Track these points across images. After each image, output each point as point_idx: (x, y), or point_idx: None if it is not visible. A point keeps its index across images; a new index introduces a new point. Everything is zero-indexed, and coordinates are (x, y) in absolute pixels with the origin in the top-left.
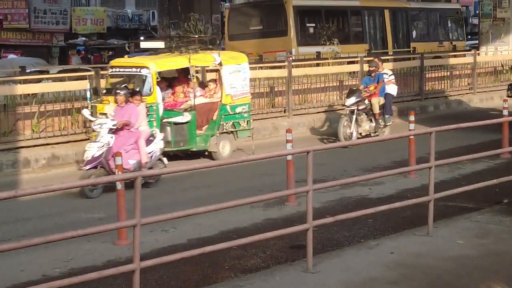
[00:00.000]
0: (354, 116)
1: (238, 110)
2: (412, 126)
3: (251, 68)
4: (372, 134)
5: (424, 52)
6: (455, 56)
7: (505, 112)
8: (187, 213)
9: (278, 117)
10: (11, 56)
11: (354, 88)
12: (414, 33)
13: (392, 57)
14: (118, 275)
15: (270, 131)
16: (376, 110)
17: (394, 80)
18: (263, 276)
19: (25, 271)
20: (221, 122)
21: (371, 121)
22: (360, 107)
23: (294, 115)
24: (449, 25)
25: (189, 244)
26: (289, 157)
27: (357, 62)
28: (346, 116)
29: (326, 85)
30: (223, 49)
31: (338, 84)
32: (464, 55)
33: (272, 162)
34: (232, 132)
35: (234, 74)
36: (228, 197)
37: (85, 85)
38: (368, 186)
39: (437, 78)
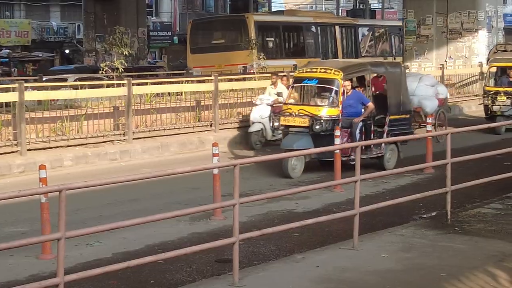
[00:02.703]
0: None
1: None
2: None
3: (176, 82)
4: None
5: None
6: None
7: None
8: (112, 227)
9: (204, 131)
10: None
11: None
12: (361, 48)
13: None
14: None
15: (196, 145)
16: None
17: None
18: None
19: None
20: None
21: None
22: None
23: (220, 129)
24: (392, 41)
25: (114, 258)
26: (216, 171)
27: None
28: None
29: (252, 100)
30: (181, 62)
31: None
32: None
33: (199, 176)
34: None
35: None
36: (154, 211)
37: None
38: (294, 200)
39: None
